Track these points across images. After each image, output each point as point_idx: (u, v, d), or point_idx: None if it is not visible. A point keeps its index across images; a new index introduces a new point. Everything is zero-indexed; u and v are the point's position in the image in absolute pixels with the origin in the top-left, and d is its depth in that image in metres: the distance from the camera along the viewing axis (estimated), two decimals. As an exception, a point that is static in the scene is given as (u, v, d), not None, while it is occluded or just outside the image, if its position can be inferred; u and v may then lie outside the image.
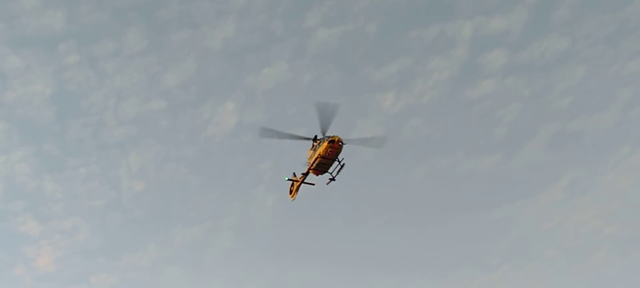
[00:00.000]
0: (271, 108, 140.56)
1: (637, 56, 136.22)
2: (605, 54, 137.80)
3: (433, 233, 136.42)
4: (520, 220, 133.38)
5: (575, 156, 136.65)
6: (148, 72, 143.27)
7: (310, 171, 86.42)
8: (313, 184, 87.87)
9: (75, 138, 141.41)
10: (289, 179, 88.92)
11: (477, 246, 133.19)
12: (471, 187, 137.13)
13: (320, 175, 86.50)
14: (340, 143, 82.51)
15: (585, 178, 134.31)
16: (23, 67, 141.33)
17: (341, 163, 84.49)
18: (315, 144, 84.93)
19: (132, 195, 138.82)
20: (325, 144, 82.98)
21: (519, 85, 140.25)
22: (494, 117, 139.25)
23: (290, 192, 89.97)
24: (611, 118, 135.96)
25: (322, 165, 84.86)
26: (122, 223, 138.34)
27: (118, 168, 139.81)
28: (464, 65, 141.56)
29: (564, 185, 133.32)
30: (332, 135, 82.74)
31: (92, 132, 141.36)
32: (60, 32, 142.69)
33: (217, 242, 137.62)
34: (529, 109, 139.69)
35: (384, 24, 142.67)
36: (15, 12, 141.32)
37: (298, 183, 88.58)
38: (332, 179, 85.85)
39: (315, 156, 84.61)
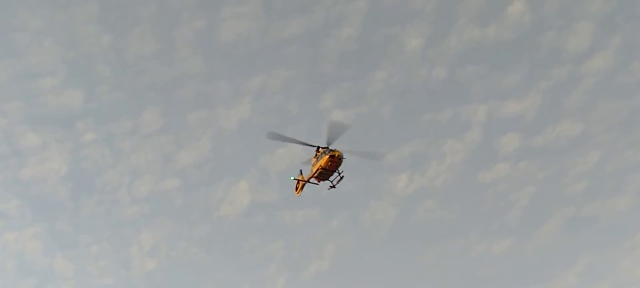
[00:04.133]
0: (285, 188, 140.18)
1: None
2: (619, 139, 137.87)
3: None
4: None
5: (589, 241, 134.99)
6: (163, 151, 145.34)
7: (313, 177, 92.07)
8: (317, 183, 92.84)
9: (88, 215, 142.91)
10: (294, 179, 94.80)
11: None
12: (484, 270, 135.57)
13: (321, 182, 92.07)
14: (340, 158, 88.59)
15: (600, 263, 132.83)
16: (40, 145, 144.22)
17: (341, 175, 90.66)
18: (317, 153, 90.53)
19: (143, 274, 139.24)
20: (327, 157, 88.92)
21: (533, 169, 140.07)
22: (507, 200, 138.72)
23: (296, 188, 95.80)
24: (626, 203, 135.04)
25: (323, 175, 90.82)
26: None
27: (129, 247, 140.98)
28: (478, 148, 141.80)
29: (579, 271, 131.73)
30: (333, 149, 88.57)
31: (105, 209, 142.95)
32: (78, 110, 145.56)
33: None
34: (543, 193, 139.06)
35: (398, 106, 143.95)
36: (36, 91, 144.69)
37: (303, 182, 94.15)
38: (333, 187, 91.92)
39: (317, 166, 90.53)
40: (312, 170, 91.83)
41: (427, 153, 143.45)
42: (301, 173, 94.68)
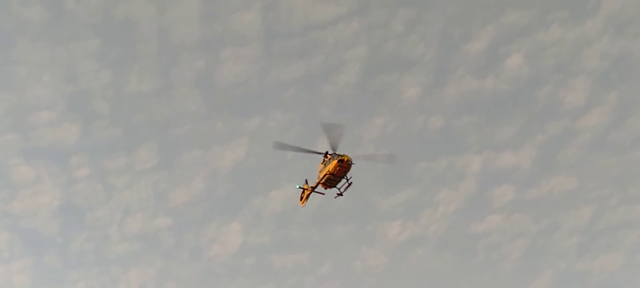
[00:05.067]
0: (277, 230, 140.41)
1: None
2: (612, 195, 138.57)
3: None
4: None
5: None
6: (157, 189, 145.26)
7: (320, 184, 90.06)
8: (323, 193, 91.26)
9: (77, 251, 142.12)
10: (300, 187, 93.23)
11: None
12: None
13: (328, 189, 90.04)
14: (349, 163, 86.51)
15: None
16: (33, 178, 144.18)
17: (349, 182, 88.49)
18: (325, 159, 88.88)
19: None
20: (335, 162, 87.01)
21: (526, 222, 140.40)
22: (500, 252, 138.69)
23: (301, 198, 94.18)
24: (618, 260, 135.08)
25: (330, 181, 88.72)
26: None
27: (117, 285, 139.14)
28: (472, 198, 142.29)
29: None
30: (342, 154, 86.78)
31: (95, 246, 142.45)
32: (73, 145, 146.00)
33: None
34: (535, 247, 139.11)
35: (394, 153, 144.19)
36: (32, 124, 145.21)
37: (308, 191, 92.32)
38: (340, 194, 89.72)
39: (325, 172, 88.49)
40: (319, 176, 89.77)
41: (421, 202, 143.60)
42: (306, 183, 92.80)
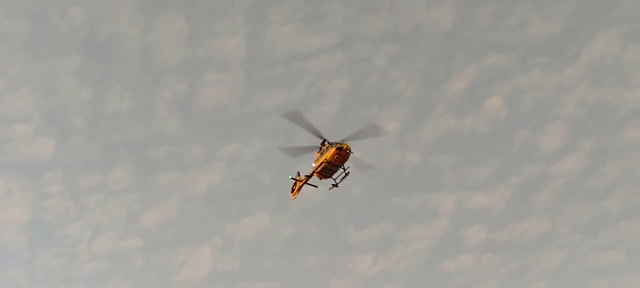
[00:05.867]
0: (248, 257, 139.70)
1: (615, 248, 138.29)
2: (583, 242, 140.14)
3: None
4: None
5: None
6: (129, 209, 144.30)
7: (315, 174, 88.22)
8: (316, 186, 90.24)
9: (44, 268, 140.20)
10: (292, 178, 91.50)
11: None
12: None
13: (323, 180, 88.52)
14: (347, 151, 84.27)
15: None
16: (4, 192, 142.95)
17: (346, 171, 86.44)
18: (323, 147, 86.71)
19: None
20: (333, 150, 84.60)
21: (497, 263, 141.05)
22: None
23: (292, 190, 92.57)
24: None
25: (326, 170, 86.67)
26: None
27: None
28: (444, 236, 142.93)
29: None
30: (340, 142, 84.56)
31: (62, 263, 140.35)
32: (47, 160, 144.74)
33: None
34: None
35: (369, 187, 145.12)
36: (7, 137, 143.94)
37: (301, 183, 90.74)
38: (335, 185, 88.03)
39: (321, 160, 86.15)
40: (314, 165, 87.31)
41: (394, 237, 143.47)
42: (299, 175, 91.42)
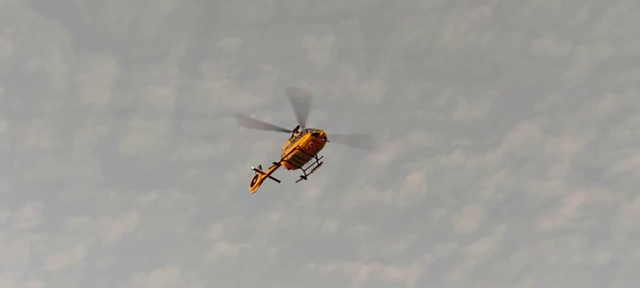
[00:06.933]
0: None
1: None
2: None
3: None
4: None
5: None
6: (34, 250, 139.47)
7: (282, 163, 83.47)
8: (279, 181, 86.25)
9: None
10: (255, 169, 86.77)
11: None
12: None
13: (291, 171, 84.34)
14: (324, 138, 78.94)
15: None
16: None
17: (319, 162, 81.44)
18: (295, 135, 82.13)
19: None
20: (308, 136, 79.34)
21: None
22: None
23: (252, 184, 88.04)
24: None
25: (297, 159, 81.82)
26: None
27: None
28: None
29: None
30: (316, 128, 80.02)
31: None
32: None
33: None
34: None
35: (285, 250, 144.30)
36: None
37: (263, 176, 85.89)
38: (304, 177, 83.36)
39: (293, 147, 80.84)
40: (283, 154, 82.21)
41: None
42: (261, 167, 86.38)
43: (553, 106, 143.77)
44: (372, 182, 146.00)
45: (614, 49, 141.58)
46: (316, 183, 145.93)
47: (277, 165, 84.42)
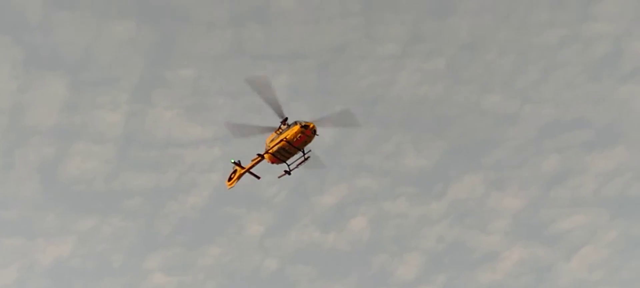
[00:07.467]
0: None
1: None
2: None
3: None
4: None
5: None
6: None
7: (266, 156, 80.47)
8: (258, 177, 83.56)
9: None
10: (234, 162, 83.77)
11: None
12: None
13: (275, 164, 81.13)
14: (314, 131, 76.18)
15: None
16: None
17: (306, 156, 78.22)
18: (283, 126, 79.04)
19: None
20: (297, 128, 76.54)
21: None
22: None
23: (230, 179, 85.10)
24: None
25: (282, 152, 78.76)
26: None
27: None
28: None
29: None
30: (306, 121, 77.30)
31: None
32: None
33: None
34: None
35: (223, 285, 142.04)
36: None
37: (243, 170, 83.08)
38: (288, 172, 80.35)
39: (279, 139, 77.64)
40: (268, 146, 78.70)
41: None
42: (240, 163, 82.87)
43: (498, 161, 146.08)
44: (316, 223, 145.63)
45: (560, 110, 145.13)
46: (259, 220, 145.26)
47: (261, 157, 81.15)
